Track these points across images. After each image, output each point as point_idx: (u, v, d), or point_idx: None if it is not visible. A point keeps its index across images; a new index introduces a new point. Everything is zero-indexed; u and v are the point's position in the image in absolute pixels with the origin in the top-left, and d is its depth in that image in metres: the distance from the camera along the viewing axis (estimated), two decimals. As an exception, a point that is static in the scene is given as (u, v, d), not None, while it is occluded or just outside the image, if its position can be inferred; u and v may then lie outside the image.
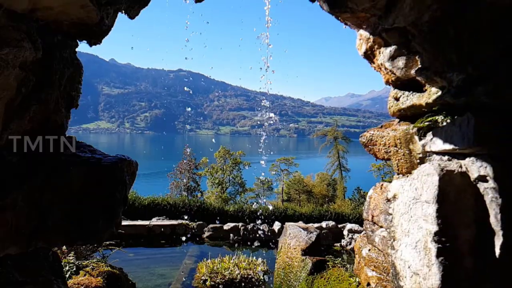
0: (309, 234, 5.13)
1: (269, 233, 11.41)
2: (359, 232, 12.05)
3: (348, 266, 4.41)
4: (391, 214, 2.20)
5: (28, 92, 1.58)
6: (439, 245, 1.94)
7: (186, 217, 11.91)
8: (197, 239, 11.18)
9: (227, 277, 6.79)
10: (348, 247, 11.68)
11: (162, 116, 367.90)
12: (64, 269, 3.67)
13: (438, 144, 2.08)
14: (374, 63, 2.42)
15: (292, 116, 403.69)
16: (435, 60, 1.95)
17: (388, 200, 2.25)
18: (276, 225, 11.91)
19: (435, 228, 1.95)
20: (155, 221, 11.37)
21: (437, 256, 1.94)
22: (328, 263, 4.68)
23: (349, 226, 12.39)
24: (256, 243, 10.44)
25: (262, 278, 7.01)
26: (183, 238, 10.50)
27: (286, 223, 7.41)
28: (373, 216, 2.38)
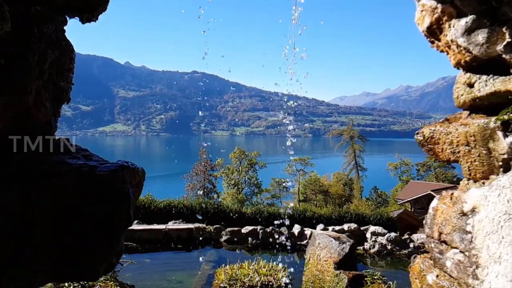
0: (341, 244, 4.62)
1: (289, 237, 10.98)
2: (383, 234, 11.43)
3: (390, 283, 3.88)
4: (470, 233, 1.70)
5: (-6, 79, 1.16)
6: (547, 278, 1.44)
7: (202, 220, 11.62)
8: (215, 243, 10.88)
9: (247, 284, 6.58)
10: (372, 251, 11.12)
11: (177, 118, 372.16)
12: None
13: (537, 142, 1.57)
14: (440, 40, 1.91)
15: (307, 116, 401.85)
16: (537, 28, 1.45)
17: (464, 214, 1.75)
18: (296, 228, 11.47)
19: (539, 254, 1.45)
20: (171, 225, 11.10)
21: (545, 292, 1.43)
22: (366, 278, 4.14)
23: (372, 228, 11.85)
24: (275, 247, 10.10)
25: (284, 285, 6.67)
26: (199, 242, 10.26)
27: (313, 231, 6.98)
28: (440, 234, 1.88)
